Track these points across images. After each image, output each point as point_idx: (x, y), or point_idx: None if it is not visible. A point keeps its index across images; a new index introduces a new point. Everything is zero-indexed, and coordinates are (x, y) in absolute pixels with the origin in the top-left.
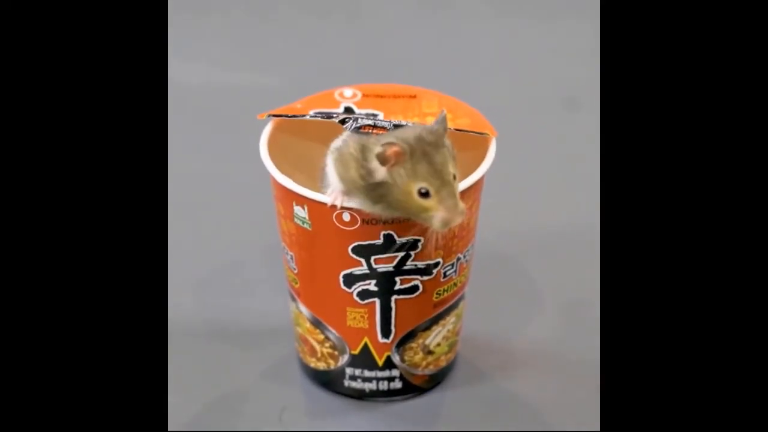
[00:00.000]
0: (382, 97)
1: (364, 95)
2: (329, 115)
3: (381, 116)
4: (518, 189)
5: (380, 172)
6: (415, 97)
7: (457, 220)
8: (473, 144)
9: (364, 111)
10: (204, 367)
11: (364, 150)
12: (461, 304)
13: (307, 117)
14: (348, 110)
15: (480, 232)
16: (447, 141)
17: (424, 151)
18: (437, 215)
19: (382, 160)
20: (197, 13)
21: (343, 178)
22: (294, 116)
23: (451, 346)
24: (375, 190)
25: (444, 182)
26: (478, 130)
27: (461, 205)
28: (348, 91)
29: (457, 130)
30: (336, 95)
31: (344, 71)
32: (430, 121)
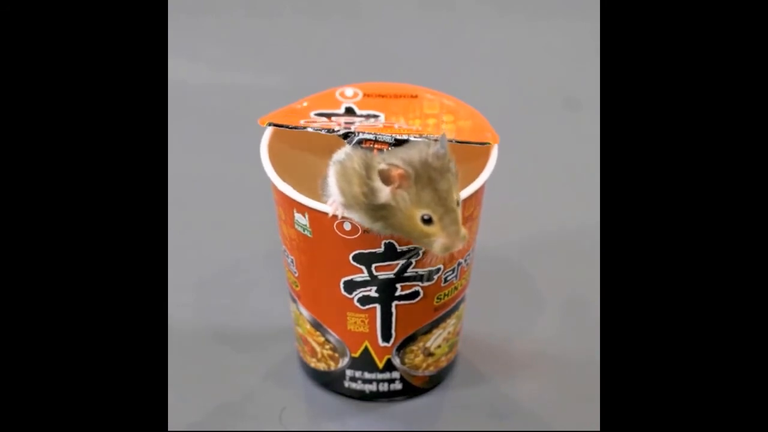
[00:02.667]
0: (383, 96)
1: (365, 95)
2: (330, 129)
3: (382, 118)
4: (518, 189)
5: (384, 194)
6: (416, 97)
7: (458, 247)
8: (475, 154)
9: (365, 112)
10: (205, 368)
11: (368, 168)
12: (462, 306)
13: (309, 129)
14: (349, 110)
15: (480, 232)
16: (452, 164)
17: (430, 177)
18: (438, 241)
19: (385, 178)
20: (197, 13)
21: (345, 193)
22: (295, 128)
23: (452, 347)
24: (377, 210)
25: (447, 209)
26: (479, 140)
27: (463, 231)
28: (349, 91)
29: (458, 142)
30: (337, 95)
31: (345, 71)
32: (431, 122)
